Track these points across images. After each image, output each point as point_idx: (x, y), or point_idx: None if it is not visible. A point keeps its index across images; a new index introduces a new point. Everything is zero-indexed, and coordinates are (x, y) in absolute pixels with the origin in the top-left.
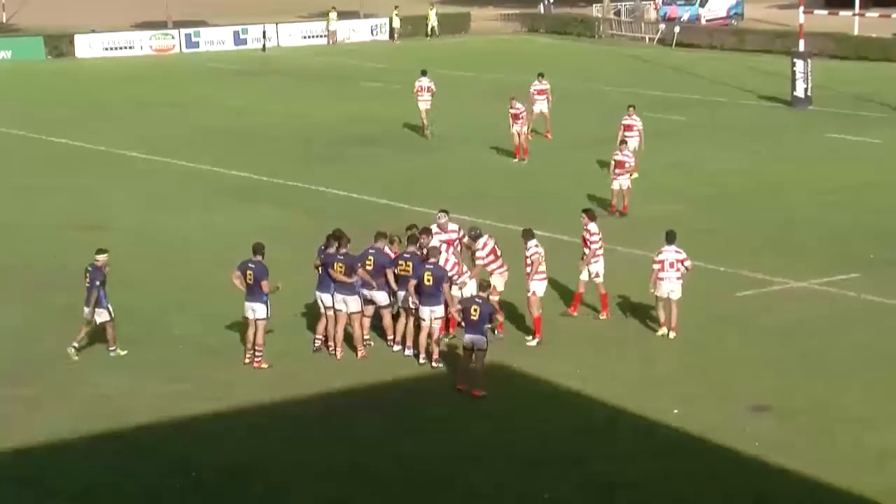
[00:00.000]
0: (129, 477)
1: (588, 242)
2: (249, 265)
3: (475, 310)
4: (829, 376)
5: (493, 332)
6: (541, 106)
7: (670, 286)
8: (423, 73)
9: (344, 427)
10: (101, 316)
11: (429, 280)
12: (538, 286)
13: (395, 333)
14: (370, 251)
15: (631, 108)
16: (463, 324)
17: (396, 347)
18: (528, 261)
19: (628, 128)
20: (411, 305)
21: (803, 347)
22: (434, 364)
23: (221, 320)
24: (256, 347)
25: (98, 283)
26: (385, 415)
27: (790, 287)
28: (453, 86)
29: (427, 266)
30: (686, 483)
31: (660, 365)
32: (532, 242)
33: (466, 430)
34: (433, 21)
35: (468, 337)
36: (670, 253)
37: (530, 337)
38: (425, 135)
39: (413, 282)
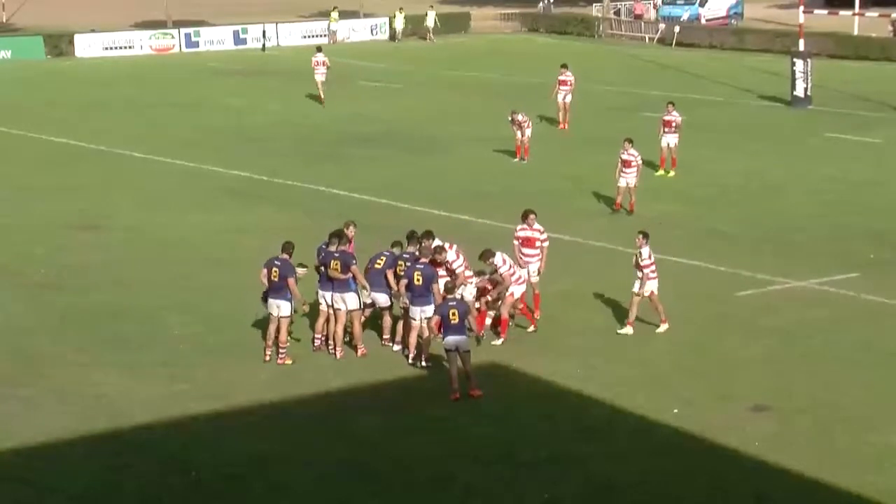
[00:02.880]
0: (128, 477)
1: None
2: (276, 263)
3: (454, 313)
4: (829, 376)
5: (475, 337)
6: (562, 97)
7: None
8: (318, 50)
9: (344, 427)
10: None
11: (418, 280)
12: (517, 289)
13: (392, 333)
14: (385, 252)
15: (670, 105)
16: (442, 330)
17: (396, 347)
18: (500, 276)
19: (667, 123)
20: (401, 305)
21: (803, 347)
22: (423, 363)
23: (221, 320)
24: (280, 344)
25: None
26: (385, 414)
27: (790, 287)
28: (453, 85)
29: (417, 266)
30: (686, 483)
31: (660, 365)
32: (497, 259)
33: (466, 429)
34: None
35: (452, 339)
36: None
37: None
38: (323, 102)
39: (404, 281)
